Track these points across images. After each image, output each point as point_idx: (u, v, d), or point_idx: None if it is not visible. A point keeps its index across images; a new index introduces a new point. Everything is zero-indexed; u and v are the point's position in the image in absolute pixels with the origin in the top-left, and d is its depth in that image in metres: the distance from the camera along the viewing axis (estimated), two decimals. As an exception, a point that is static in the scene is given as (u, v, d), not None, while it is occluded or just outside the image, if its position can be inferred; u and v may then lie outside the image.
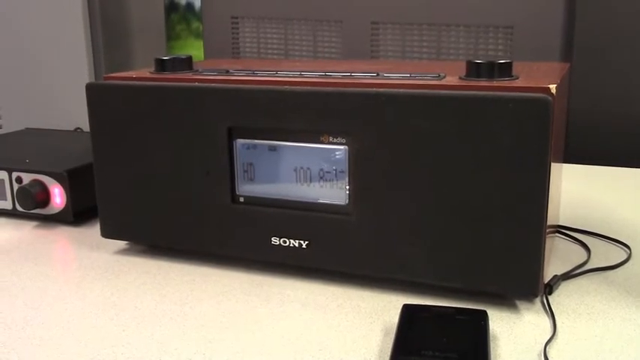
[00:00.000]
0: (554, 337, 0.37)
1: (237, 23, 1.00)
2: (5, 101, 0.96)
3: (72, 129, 0.90)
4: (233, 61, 0.60)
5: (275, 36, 0.99)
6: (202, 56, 1.03)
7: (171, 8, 1.07)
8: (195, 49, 1.08)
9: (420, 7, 0.91)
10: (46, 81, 0.96)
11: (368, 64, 0.54)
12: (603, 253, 0.50)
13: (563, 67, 0.50)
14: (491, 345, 0.36)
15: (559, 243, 0.52)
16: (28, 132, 0.77)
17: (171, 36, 1.09)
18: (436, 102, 0.39)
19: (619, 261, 0.48)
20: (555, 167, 0.42)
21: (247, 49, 1.01)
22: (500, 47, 0.89)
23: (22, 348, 0.38)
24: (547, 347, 0.36)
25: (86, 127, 0.91)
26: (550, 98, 0.37)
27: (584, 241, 0.52)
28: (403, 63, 0.55)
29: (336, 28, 0.96)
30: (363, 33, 0.94)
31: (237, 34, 1.01)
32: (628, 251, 0.50)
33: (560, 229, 0.54)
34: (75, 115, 0.94)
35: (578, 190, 0.67)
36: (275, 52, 0.99)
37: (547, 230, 0.41)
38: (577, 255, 0.50)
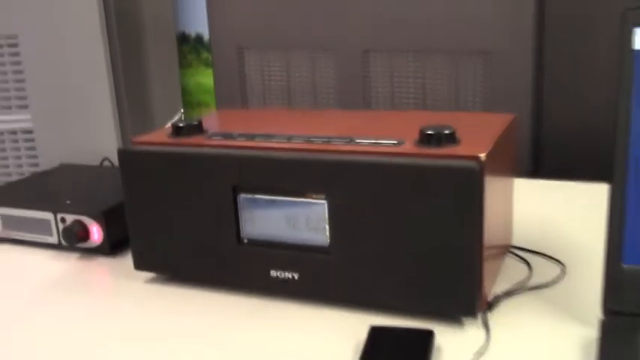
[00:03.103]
0: (487, 349, 0.48)
1: (243, 53, 1.11)
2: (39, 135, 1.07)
3: (100, 159, 1.02)
4: (238, 116, 0.71)
5: (277, 64, 1.09)
6: (212, 83, 1.14)
7: (182, 40, 1.18)
8: (205, 77, 1.19)
9: (406, 36, 1.01)
10: (72, 114, 1.07)
11: (349, 117, 0.65)
12: (543, 271, 0.61)
13: (506, 120, 0.61)
14: (436, 357, 0.47)
15: (509, 261, 0.63)
16: (63, 168, 0.89)
17: (183, 64, 1.20)
18: (390, 169, 0.50)
19: (553, 278, 0.59)
20: (499, 202, 0.53)
21: (252, 76, 1.12)
22: (479, 71, 0.99)
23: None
24: (477, 359, 0.47)
25: (111, 157, 1.03)
26: (478, 166, 0.48)
27: (528, 259, 0.63)
28: (379, 116, 0.66)
29: (331, 56, 1.06)
30: (355, 60, 1.04)
31: (244, 62, 1.11)
32: (563, 268, 0.61)
33: (511, 248, 0.65)
34: (100, 144, 1.06)
35: (538, 206, 0.77)
36: (278, 77, 1.10)
37: (492, 254, 0.52)
38: (522, 273, 0.61)
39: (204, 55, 1.19)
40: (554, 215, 0.75)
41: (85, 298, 0.61)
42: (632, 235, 0.50)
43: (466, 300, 0.51)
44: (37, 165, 1.08)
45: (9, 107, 1.06)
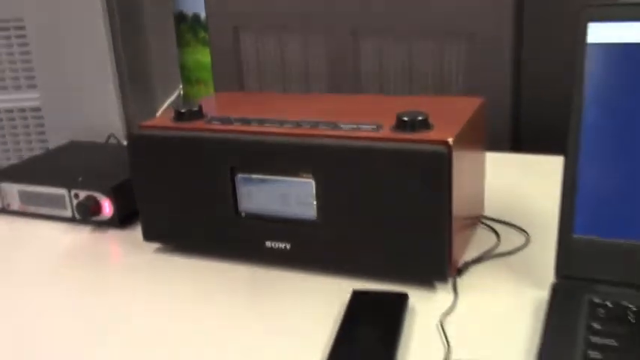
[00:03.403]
0: (453, 311, 0.56)
1: (239, 32, 1.16)
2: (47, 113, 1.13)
3: (106, 135, 1.08)
4: (234, 100, 0.77)
5: (271, 43, 1.15)
6: (210, 61, 1.19)
7: (180, 19, 1.23)
8: (203, 55, 1.24)
9: (393, 18, 1.07)
10: (78, 92, 1.13)
11: (334, 101, 0.71)
12: (510, 240, 0.68)
13: (476, 104, 0.67)
14: (409, 317, 0.55)
15: (480, 231, 0.70)
16: (72, 146, 0.95)
17: (181, 43, 1.25)
18: (369, 152, 0.56)
19: (518, 246, 0.66)
20: (468, 178, 0.60)
21: (248, 55, 1.17)
22: (462, 52, 1.05)
23: (88, 318, 0.57)
24: (443, 318, 0.54)
25: (117, 133, 1.09)
26: (446, 150, 0.54)
27: (497, 228, 0.70)
28: (361, 100, 0.72)
29: (322, 36, 1.12)
30: (345, 40, 1.10)
31: (239, 41, 1.17)
32: (527, 236, 0.68)
33: (482, 219, 0.72)
34: (105, 121, 1.12)
35: (514, 179, 0.84)
36: (272, 56, 1.16)
37: (462, 224, 0.59)
38: (492, 241, 0.68)
39: (202, 34, 1.25)
40: (526, 187, 0.81)
41: (98, 266, 0.68)
42: (582, 209, 0.56)
43: (437, 266, 0.58)
44: (46, 141, 1.14)
45: (18, 87, 1.12)
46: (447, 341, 0.51)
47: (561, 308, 0.52)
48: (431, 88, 1.07)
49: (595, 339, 0.47)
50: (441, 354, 0.50)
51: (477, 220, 0.71)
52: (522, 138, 1.04)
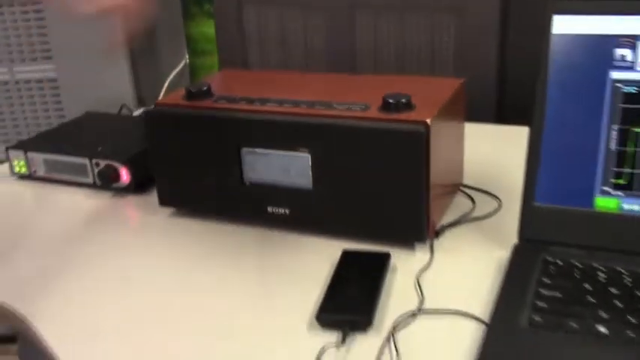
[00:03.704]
0: (428, 268, 0.65)
1: (242, 6, 1.23)
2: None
3: (119, 105, 1.16)
4: (240, 78, 0.85)
5: (273, 17, 1.21)
6: (214, 32, 1.25)
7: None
8: (207, 27, 1.31)
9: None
10: (91, 63, 1.20)
11: (330, 81, 0.79)
12: (484, 206, 0.76)
13: (456, 84, 0.75)
14: (390, 273, 0.64)
15: (459, 198, 0.79)
16: (89, 117, 1.03)
17: (187, 16, 1.32)
18: (359, 130, 0.65)
19: (490, 211, 0.75)
20: (447, 151, 0.68)
21: (250, 28, 1.24)
22: (452, 26, 1.12)
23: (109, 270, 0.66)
24: (420, 275, 0.63)
25: (128, 103, 1.17)
26: (425, 129, 0.62)
27: (474, 195, 0.78)
28: (354, 80, 0.80)
29: (321, 10, 1.18)
30: (342, 15, 1.17)
31: (242, 15, 1.23)
32: (500, 203, 0.76)
33: (461, 187, 0.80)
34: (118, 91, 1.20)
35: (495, 149, 0.92)
36: (273, 30, 1.22)
37: (440, 192, 0.68)
38: (468, 207, 0.76)
39: (207, 6, 1.31)
40: (504, 157, 0.89)
41: (118, 228, 0.77)
42: (543, 180, 0.65)
43: (416, 229, 0.66)
44: (62, 110, 1.22)
45: (34, 59, 1.19)
46: (422, 293, 0.60)
47: (519, 265, 0.61)
48: (422, 62, 1.14)
49: (543, 291, 0.56)
50: (416, 304, 0.59)
51: (456, 187, 0.79)
52: (506, 110, 1.12)
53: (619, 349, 0.49)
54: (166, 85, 1.25)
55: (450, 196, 0.77)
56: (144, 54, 1.25)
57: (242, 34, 1.24)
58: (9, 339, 1.41)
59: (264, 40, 1.22)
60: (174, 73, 1.25)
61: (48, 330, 0.59)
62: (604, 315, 0.53)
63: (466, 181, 0.82)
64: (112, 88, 1.19)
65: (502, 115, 1.13)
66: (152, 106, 0.75)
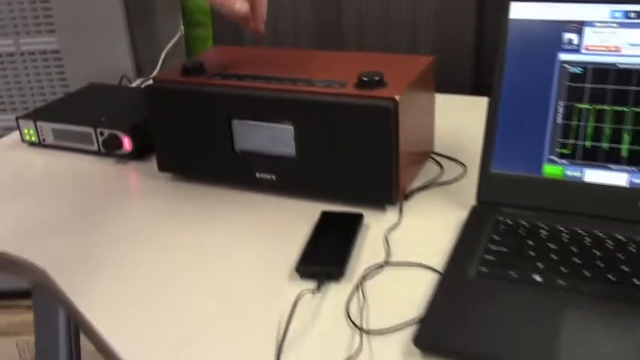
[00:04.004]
0: (396, 227, 0.73)
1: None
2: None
3: (119, 76, 1.23)
4: (232, 55, 0.92)
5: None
6: (208, 6, 1.31)
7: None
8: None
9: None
10: (93, 36, 1.27)
11: (313, 58, 0.87)
12: (451, 172, 0.85)
13: (427, 61, 0.82)
14: (363, 231, 0.72)
15: (430, 164, 0.87)
16: (93, 88, 1.10)
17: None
18: (336, 105, 0.73)
19: (456, 177, 0.83)
20: (416, 123, 0.76)
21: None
22: (432, 2, 1.18)
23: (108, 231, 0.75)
24: (388, 232, 0.72)
25: (128, 74, 1.25)
26: (393, 105, 0.71)
27: (443, 162, 0.87)
28: (334, 57, 0.87)
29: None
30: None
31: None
32: (465, 169, 0.85)
33: (432, 154, 0.89)
34: (118, 63, 1.27)
35: (468, 119, 1.00)
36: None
37: (410, 160, 0.76)
38: (437, 173, 0.85)
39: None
40: (474, 127, 0.97)
41: (121, 191, 0.86)
42: (498, 149, 0.73)
43: (387, 193, 0.75)
44: (65, 80, 1.29)
45: (39, 31, 1.26)
46: (389, 248, 0.69)
47: (473, 224, 0.70)
48: (404, 34, 1.21)
49: (492, 246, 0.65)
50: (383, 258, 0.68)
51: (427, 155, 0.88)
52: (482, 82, 1.19)
53: (548, 294, 0.58)
54: (163, 55, 1.33)
55: (420, 163, 0.85)
56: (142, 26, 1.32)
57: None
58: (20, 294, 1.51)
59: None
60: (170, 44, 1.32)
61: (63, 279, 0.68)
62: (540, 266, 0.62)
63: (438, 148, 0.91)
64: (112, 59, 1.26)
65: (479, 87, 1.20)
66: (149, 77, 0.83)
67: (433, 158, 0.88)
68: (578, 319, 0.55)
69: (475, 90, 1.20)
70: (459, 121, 1.00)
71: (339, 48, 1.25)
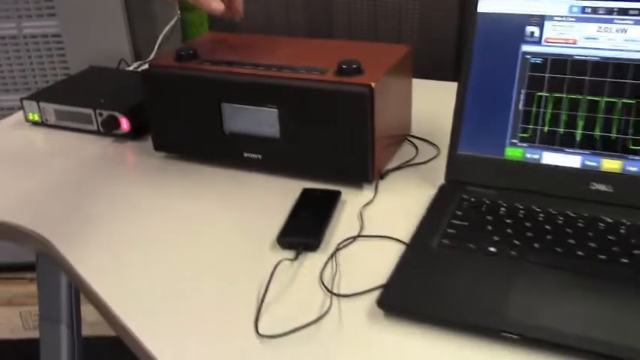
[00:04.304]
0: (371, 203, 0.80)
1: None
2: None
3: (118, 59, 1.29)
4: (223, 42, 0.98)
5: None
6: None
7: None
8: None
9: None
10: (92, 19, 1.32)
11: (297, 45, 0.93)
12: (426, 153, 0.91)
13: (402, 51, 0.88)
14: (340, 207, 0.79)
15: (406, 146, 0.93)
16: (92, 70, 1.16)
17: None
18: (317, 91, 0.79)
19: (429, 158, 0.90)
20: (392, 108, 0.82)
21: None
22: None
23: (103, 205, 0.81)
24: (363, 208, 0.79)
25: (126, 57, 1.30)
26: (369, 91, 0.77)
27: (418, 144, 0.93)
28: (317, 45, 0.93)
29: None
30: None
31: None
32: (438, 151, 0.91)
33: (409, 137, 0.95)
34: (116, 46, 1.33)
35: (446, 105, 1.06)
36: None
37: (386, 142, 0.83)
38: (412, 154, 0.91)
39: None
40: (450, 111, 1.03)
41: (119, 168, 0.92)
42: (465, 133, 0.80)
43: (363, 172, 0.82)
44: (66, 63, 1.35)
45: (41, 15, 1.32)
46: (362, 223, 0.76)
47: (440, 201, 0.76)
48: (390, 21, 1.26)
49: (454, 221, 0.72)
50: (357, 231, 0.75)
51: (404, 137, 0.94)
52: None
53: (500, 263, 0.65)
54: (160, 39, 1.38)
55: (397, 144, 0.92)
56: (140, 11, 1.37)
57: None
58: (23, 267, 1.59)
59: None
60: (167, 28, 1.38)
61: (64, 245, 0.75)
62: (496, 239, 0.68)
63: (415, 131, 0.97)
64: (111, 43, 1.32)
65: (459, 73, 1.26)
66: (146, 61, 0.89)
67: (410, 140, 0.95)
68: (524, 284, 0.62)
69: (457, 77, 1.26)
70: (438, 106, 1.06)
71: (329, 36, 1.30)
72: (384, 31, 1.27)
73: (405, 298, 0.62)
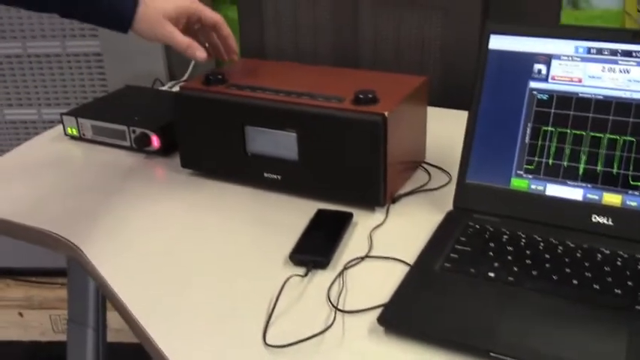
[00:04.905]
0: (381, 226, 0.84)
1: (261, -5, 1.41)
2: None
3: (153, 79, 1.36)
4: (251, 67, 1.04)
5: (287, 4, 1.39)
6: (237, 16, 1.43)
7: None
8: (231, 12, 1.50)
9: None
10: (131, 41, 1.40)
11: (318, 73, 0.98)
12: (438, 179, 0.95)
13: (418, 81, 0.93)
14: (351, 229, 0.83)
15: (420, 172, 0.98)
16: (128, 89, 1.23)
17: (215, 0, 1.51)
18: (334, 118, 0.84)
19: (441, 184, 0.94)
20: (407, 136, 0.87)
21: (268, 14, 1.42)
22: (440, 21, 1.28)
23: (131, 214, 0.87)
24: (373, 230, 0.83)
25: (161, 77, 1.37)
26: (382, 120, 0.81)
27: (431, 171, 0.97)
28: (337, 73, 0.98)
29: (328, 2, 1.36)
30: (347, 5, 1.34)
31: (261, 2, 1.42)
32: (450, 178, 0.95)
33: (423, 163, 0.99)
34: (152, 67, 1.40)
35: (456, 132, 1.10)
36: (288, 16, 1.40)
37: (399, 168, 0.87)
38: (425, 180, 0.95)
39: (232, -6, 1.50)
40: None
41: (148, 182, 0.98)
42: (473, 162, 0.84)
43: (375, 196, 0.86)
44: (105, 80, 1.43)
45: (83, 35, 1.40)
46: (371, 244, 0.80)
47: (445, 227, 0.80)
48: (413, 51, 1.31)
49: (458, 247, 0.76)
50: (366, 251, 0.79)
51: (417, 164, 0.98)
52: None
53: (498, 288, 0.69)
54: (193, 61, 1.45)
55: (410, 170, 0.96)
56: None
57: (260, 19, 1.42)
58: (55, 273, 1.66)
59: (280, 26, 1.41)
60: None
61: (94, 254, 0.80)
62: (496, 264, 0.72)
63: (430, 158, 1.01)
64: (147, 63, 1.39)
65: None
66: (180, 81, 0.96)
67: (423, 167, 0.99)
68: (518, 308, 0.66)
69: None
70: (454, 134, 1.10)
71: (355, 64, 1.35)
72: (407, 61, 1.31)
73: (404, 316, 0.66)
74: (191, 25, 0.96)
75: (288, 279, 0.73)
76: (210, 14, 0.95)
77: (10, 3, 0.88)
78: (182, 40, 0.91)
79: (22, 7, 0.89)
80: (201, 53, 0.92)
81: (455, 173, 0.96)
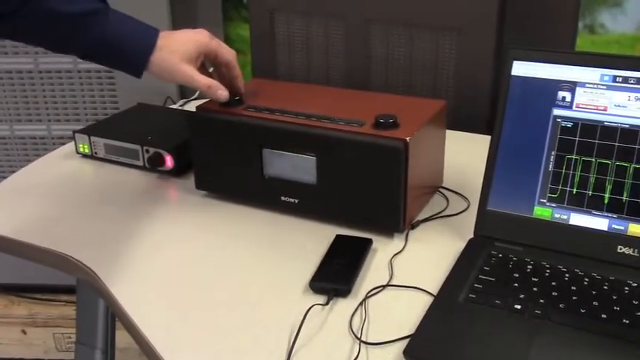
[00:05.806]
0: (401, 252, 0.83)
1: (274, 14, 1.41)
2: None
3: (164, 97, 1.35)
4: (267, 89, 1.03)
5: (299, 26, 1.39)
6: (249, 35, 1.43)
7: (226, -1, 1.48)
8: (243, 30, 1.50)
9: (399, 10, 1.30)
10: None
11: (337, 96, 0.97)
12: (456, 205, 0.94)
13: (438, 105, 0.92)
14: (371, 255, 0.82)
15: (437, 197, 0.96)
16: (140, 108, 1.22)
17: (226, 18, 1.51)
18: (354, 143, 0.83)
19: (460, 210, 0.92)
20: (426, 161, 0.86)
21: (280, 34, 1.41)
22: (454, 42, 1.28)
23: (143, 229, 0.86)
24: (393, 258, 0.82)
25: (172, 96, 1.36)
26: (403, 145, 0.80)
27: (449, 196, 0.96)
28: (356, 96, 0.97)
29: (341, 22, 1.35)
30: (359, 28, 1.34)
31: (274, 22, 1.41)
32: (469, 204, 0.94)
33: (440, 188, 0.98)
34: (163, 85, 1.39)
35: (479, 157, 1.09)
36: (299, 36, 1.40)
37: (418, 193, 0.86)
38: (443, 205, 0.94)
39: (243, 13, 1.49)
40: (482, 164, 1.06)
41: (161, 203, 0.97)
42: (495, 190, 0.82)
43: (394, 222, 0.85)
44: (116, 97, 1.42)
45: (95, 52, 1.39)
46: (392, 272, 0.79)
47: (468, 256, 0.79)
48: (427, 72, 1.30)
49: (482, 276, 0.74)
50: (387, 280, 0.78)
51: (435, 189, 0.97)
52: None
53: (524, 320, 0.67)
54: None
55: (428, 195, 0.95)
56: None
57: (272, 39, 1.41)
58: (59, 290, 1.64)
59: (292, 46, 1.40)
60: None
61: (106, 277, 0.79)
62: (521, 296, 0.71)
63: (447, 183, 1.00)
64: (158, 81, 1.38)
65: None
66: (191, 99, 0.94)
67: (441, 192, 0.98)
68: (546, 343, 0.64)
69: (490, 131, 1.29)
70: (470, 158, 1.08)
71: (366, 85, 1.35)
72: (420, 84, 1.30)
73: (430, 349, 0.65)
74: (206, 62, 0.95)
75: (310, 308, 0.72)
76: (227, 52, 0.95)
77: (36, 45, 0.90)
78: (203, 81, 0.91)
79: (47, 49, 0.91)
80: (222, 92, 0.92)
81: (472, 198, 0.95)
